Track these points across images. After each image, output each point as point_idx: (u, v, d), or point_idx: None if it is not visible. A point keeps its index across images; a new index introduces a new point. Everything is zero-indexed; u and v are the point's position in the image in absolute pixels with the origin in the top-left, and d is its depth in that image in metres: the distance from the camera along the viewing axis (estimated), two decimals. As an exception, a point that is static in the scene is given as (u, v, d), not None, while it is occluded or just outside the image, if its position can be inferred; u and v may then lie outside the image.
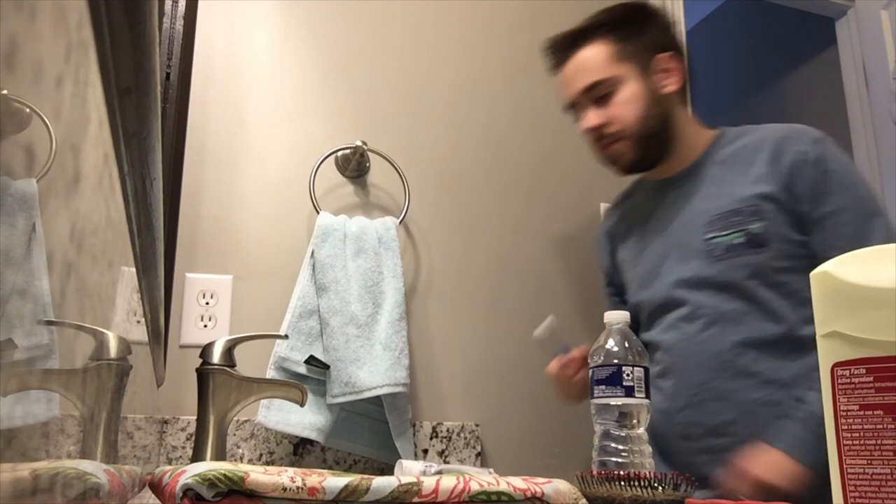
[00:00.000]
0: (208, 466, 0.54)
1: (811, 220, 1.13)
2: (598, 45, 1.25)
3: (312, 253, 1.41)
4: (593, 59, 1.25)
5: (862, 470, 0.50)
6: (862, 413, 0.51)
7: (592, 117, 1.25)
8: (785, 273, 1.14)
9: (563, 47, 1.29)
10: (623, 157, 1.25)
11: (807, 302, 1.09)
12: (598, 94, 1.24)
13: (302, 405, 1.13)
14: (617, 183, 1.50)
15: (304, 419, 1.31)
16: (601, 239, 1.44)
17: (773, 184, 1.15)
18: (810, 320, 1.06)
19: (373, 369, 1.34)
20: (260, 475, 0.54)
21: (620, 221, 1.39)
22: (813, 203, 1.13)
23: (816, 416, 0.97)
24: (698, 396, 1.15)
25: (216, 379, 1.08)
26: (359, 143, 1.51)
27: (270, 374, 1.33)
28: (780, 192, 1.14)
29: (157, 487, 0.64)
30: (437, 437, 1.46)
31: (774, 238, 1.14)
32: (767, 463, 1.02)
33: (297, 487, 0.55)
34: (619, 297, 1.40)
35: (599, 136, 1.25)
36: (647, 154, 1.25)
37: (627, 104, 1.22)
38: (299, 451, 1.38)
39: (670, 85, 1.25)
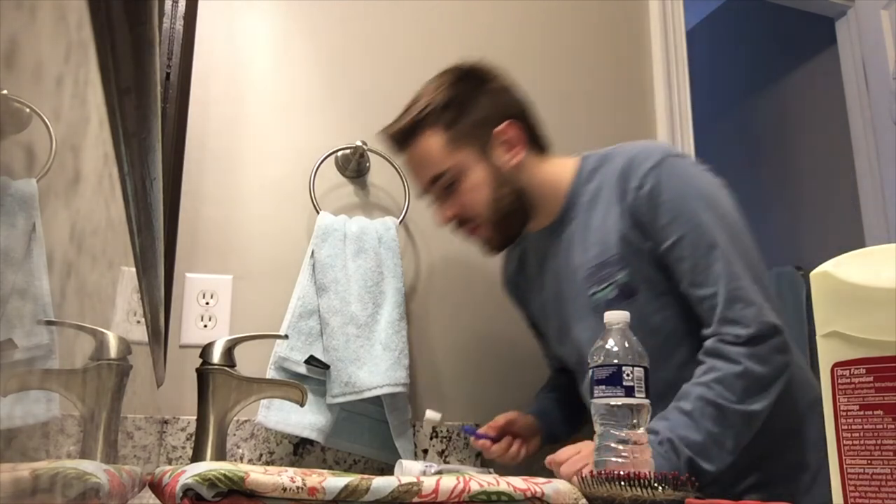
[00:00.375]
0: (208, 466, 0.54)
1: (660, 256, 1.09)
2: (430, 136, 1.18)
3: (312, 253, 1.41)
4: (428, 153, 1.18)
5: (862, 470, 0.50)
6: (862, 413, 0.51)
7: (444, 211, 1.21)
8: (658, 314, 1.11)
9: (398, 142, 1.23)
10: (489, 241, 1.23)
11: (682, 343, 1.08)
12: (443, 185, 1.19)
13: (302, 405, 1.13)
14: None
15: (304, 419, 1.31)
16: (508, 288, 1.43)
17: (624, 225, 1.11)
18: (685, 364, 1.07)
19: (373, 369, 1.34)
20: (260, 475, 0.54)
21: (518, 272, 1.37)
22: (656, 239, 1.09)
23: (660, 437, 0.97)
24: None
25: (216, 379, 1.08)
26: (359, 143, 1.51)
27: (270, 374, 1.33)
28: (632, 232, 1.11)
29: (157, 487, 0.64)
30: (437, 437, 1.46)
31: (641, 283, 1.10)
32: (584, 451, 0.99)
33: (297, 487, 0.55)
34: (545, 341, 1.40)
35: (458, 225, 1.22)
36: (510, 231, 1.22)
37: (474, 192, 1.18)
38: (299, 451, 1.38)
39: (514, 157, 1.19)
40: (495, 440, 1.26)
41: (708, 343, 1.04)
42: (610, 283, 1.12)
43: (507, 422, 1.27)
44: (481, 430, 1.26)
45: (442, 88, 1.20)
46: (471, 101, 1.19)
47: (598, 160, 1.20)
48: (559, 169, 1.23)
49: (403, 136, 1.21)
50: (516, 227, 1.22)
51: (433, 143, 1.18)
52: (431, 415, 1.29)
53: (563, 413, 1.35)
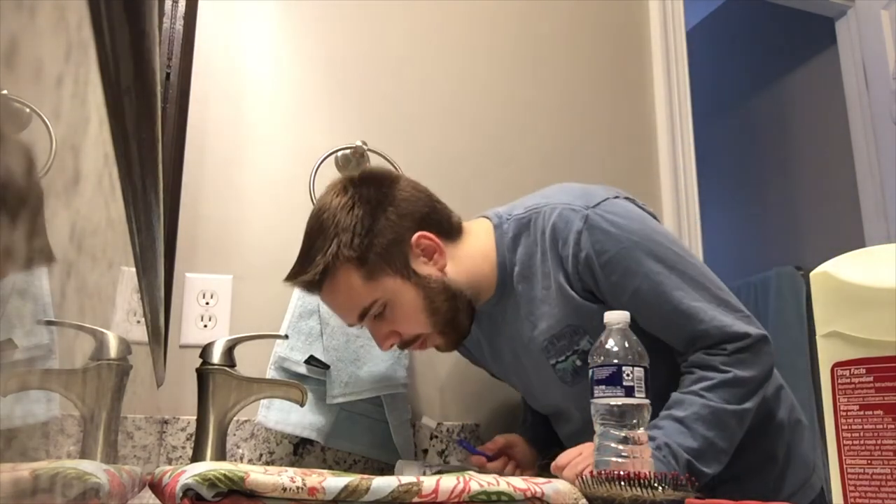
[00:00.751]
0: (208, 466, 0.54)
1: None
2: (343, 275, 1.08)
3: (312, 253, 1.41)
4: (348, 292, 1.09)
5: (862, 470, 0.50)
6: (862, 413, 0.51)
7: (384, 339, 1.12)
8: None
9: (311, 287, 1.11)
10: (441, 347, 1.17)
11: (660, 365, 1.04)
12: (374, 314, 1.10)
13: (302, 405, 1.13)
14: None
15: (304, 419, 1.31)
16: (470, 357, 1.35)
17: (574, 297, 1.07)
18: (670, 376, 1.06)
19: (373, 369, 1.34)
20: (260, 475, 0.54)
21: (470, 344, 1.28)
22: (609, 296, 1.06)
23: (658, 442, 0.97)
24: None
25: (216, 379, 1.08)
26: (359, 143, 1.51)
27: (270, 374, 1.33)
28: (582, 300, 1.07)
29: (157, 487, 0.64)
30: (437, 437, 1.46)
31: None
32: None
33: (297, 487, 0.55)
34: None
35: (405, 345, 1.15)
36: (459, 332, 1.15)
37: (409, 316, 1.10)
38: (299, 451, 1.38)
39: (437, 263, 1.11)
40: (491, 458, 1.24)
41: (693, 357, 1.04)
42: (571, 353, 1.10)
43: (507, 443, 1.25)
44: (479, 448, 1.25)
45: (339, 224, 1.09)
46: (373, 227, 1.09)
47: (516, 227, 1.14)
48: (478, 249, 1.16)
49: (315, 284, 1.10)
50: (465, 324, 1.15)
51: (351, 281, 1.08)
52: (428, 421, 1.29)
53: (554, 438, 1.32)
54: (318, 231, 1.11)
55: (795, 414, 1.17)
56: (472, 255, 1.15)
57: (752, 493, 1.07)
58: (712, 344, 1.03)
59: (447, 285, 1.11)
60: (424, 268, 1.11)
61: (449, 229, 1.15)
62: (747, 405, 1.01)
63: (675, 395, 1.03)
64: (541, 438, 1.31)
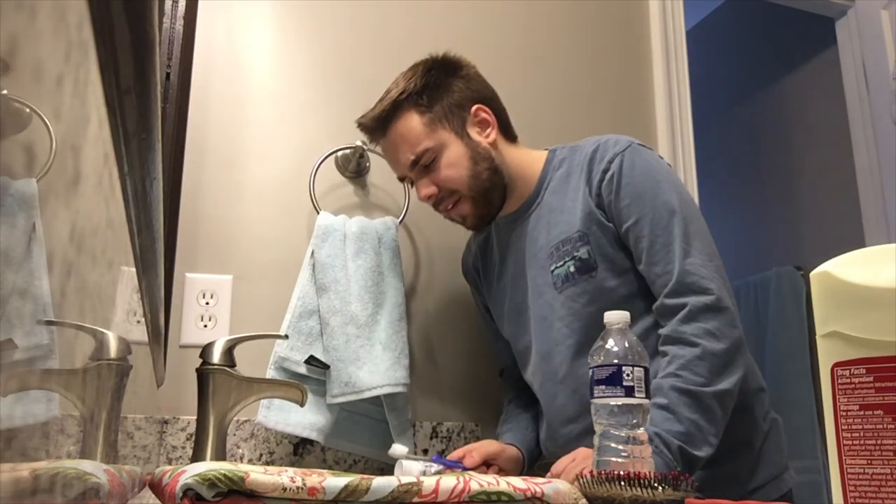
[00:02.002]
0: (208, 466, 0.54)
1: (621, 236, 1.16)
2: (409, 118, 1.23)
3: (312, 253, 1.41)
4: (408, 134, 1.23)
5: (862, 470, 0.50)
6: (862, 413, 0.51)
7: (424, 188, 1.25)
8: (617, 291, 1.16)
9: (376, 128, 1.27)
10: (468, 216, 1.27)
11: (643, 315, 1.13)
12: (424, 163, 1.23)
13: (302, 405, 1.13)
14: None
15: (304, 419, 1.31)
16: (467, 275, 1.47)
17: (589, 204, 1.17)
18: (648, 330, 1.11)
19: (373, 369, 1.34)
20: (260, 475, 0.54)
21: (480, 258, 1.42)
22: (618, 219, 1.15)
23: (651, 433, 0.98)
24: (572, 442, 1.16)
25: (216, 379, 1.08)
26: (359, 143, 1.51)
27: (270, 374, 1.33)
28: (596, 211, 1.17)
29: (157, 487, 0.64)
30: (437, 437, 1.46)
31: (601, 260, 1.16)
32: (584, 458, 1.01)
33: (297, 487, 0.55)
34: (493, 332, 1.43)
35: (438, 202, 1.26)
36: (489, 207, 1.26)
37: (453, 168, 1.23)
38: (299, 451, 1.38)
39: (489, 135, 1.26)
40: (466, 469, 1.23)
41: (664, 331, 1.09)
42: (570, 258, 1.18)
43: (486, 455, 1.20)
44: (452, 456, 1.19)
45: (416, 76, 1.25)
46: (445, 86, 1.25)
47: (568, 150, 1.27)
48: (529, 158, 1.30)
49: (383, 120, 1.25)
50: (495, 203, 1.27)
51: (413, 124, 1.23)
52: (398, 449, 1.19)
53: (538, 432, 1.33)
54: (393, 84, 1.27)
55: (773, 414, 1.21)
56: (520, 157, 1.29)
57: (726, 477, 1.09)
58: (679, 290, 1.08)
59: (492, 157, 1.25)
60: (476, 136, 1.25)
61: (506, 126, 1.31)
62: (724, 385, 1.04)
63: (654, 383, 1.06)
64: (525, 438, 1.31)
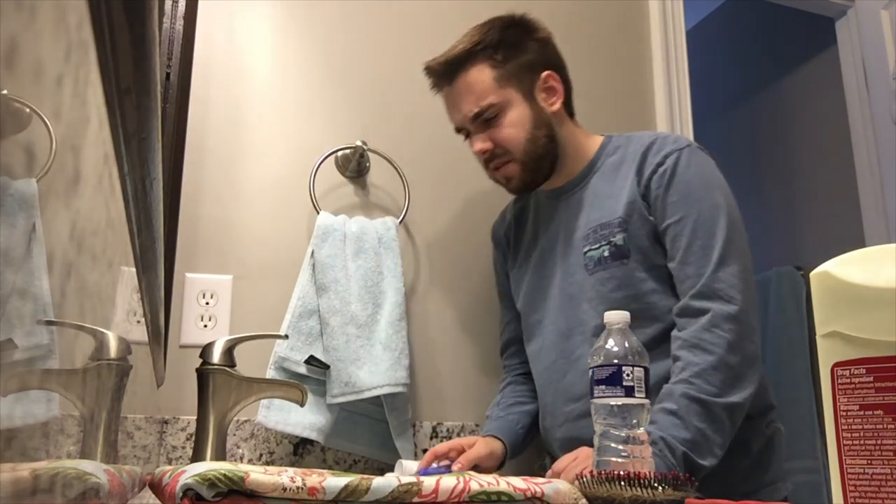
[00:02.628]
0: (208, 466, 0.54)
1: (660, 232, 1.16)
2: (480, 69, 1.23)
3: (312, 253, 1.41)
4: (476, 85, 1.23)
5: (862, 470, 0.50)
6: (862, 413, 0.51)
7: (481, 142, 1.25)
8: (644, 284, 1.16)
9: (445, 73, 1.27)
10: (513, 178, 1.27)
11: (659, 319, 1.13)
12: (485, 118, 1.23)
13: (302, 405, 1.13)
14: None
15: (304, 419, 1.31)
16: (495, 239, 1.47)
17: (635, 195, 1.17)
18: (656, 340, 1.11)
19: (373, 369, 1.34)
20: (260, 475, 0.54)
21: (515, 225, 1.42)
22: (660, 214, 1.15)
23: (655, 437, 0.98)
24: (571, 421, 1.17)
25: (216, 379, 1.08)
26: (359, 143, 1.51)
27: (270, 374, 1.33)
28: (641, 202, 1.17)
29: (157, 487, 0.64)
30: (437, 437, 1.46)
31: (635, 249, 1.16)
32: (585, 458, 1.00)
33: (297, 487, 0.55)
34: (508, 301, 1.43)
35: (490, 159, 1.26)
36: (536, 175, 1.27)
37: (514, 128, 1.22)
38: (299, 451, 1.38)
39: (554, 104, 1.26)
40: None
41: (683, 334, 1.08)
42: (607, 242, 1.18)
43: (474, 462, 1.15)
44: (440, 449, 1.15)
45: (494, 30, 1.25)
46: (520, 45, 1.25)
47: (625, 139, 1.27)
48: (584, 138, 1.30)
49: (453, 66, 1.24)
50: (543, 172, 1.27)
51: (483, 76, 1.23)
52: (410, 465, 1.18)
53: (527, 427, 1.31)
54: (466, 35, 1.27)
55: (777, 423, 1.20)
56: (576, 135, 1.30)
57: (718, 475, 1.06)
58: (706, 294, 1.07)
59: (552, 126, 1.25)
60: (542, 102, 1.25)
61: (569, 100, 1.31)
62: (735, 398, 1.03)
63: (665, 388, 1.05)
64: (513, 432, 1.27)
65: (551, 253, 1.29)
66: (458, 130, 1.32)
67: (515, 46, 1.24)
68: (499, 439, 1.25)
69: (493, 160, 1.26)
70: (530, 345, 1.31)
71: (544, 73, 1.25)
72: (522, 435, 1.30)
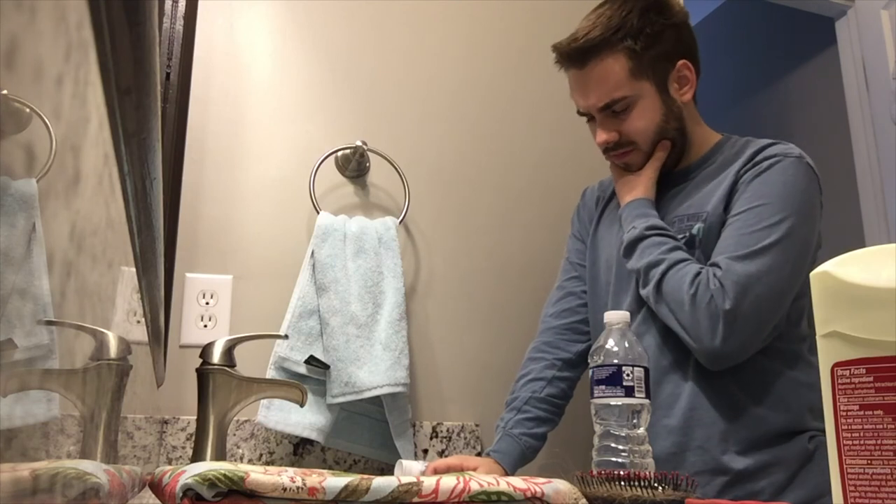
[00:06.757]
0: (208, 466, 0.54)
1: (725, 223, 1.12)
2: (616, 59, 1.16)
3: (312, 253, 1.41)
4: (611, 76, 1.16)
5: (862, 470, 0.50)
6: (862, 413, 0.51)
7: (605, 133, 1.20)
8: None
9: (576, 57, 1.19)
10: (633, 167, 1.22)
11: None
12: (614, 110, 1.18)
13: (302, 405, 1.13)
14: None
15: (304, 419, 1.31)
16: (587, 213, 1.40)
17: (727, 191, 1.13)
18: (679, 353, 1.10)
19: (373, 369, 1.34)
20: (260, 475, 0.54)
21: (606, 202, 1.35)
22: (734, 204, 1.12)
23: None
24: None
25: (216, 379, 1.08)
26: (359, 143, 1.51)
27: (270, 374, 1.33)
28: (727, 199, 1.13)
29: (157, 487, 0.64)
30: (437, 437, 1.46)
31: (705, 240, 1.13)
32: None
33: (297, 487, 0.55)
34: (575, 275, 1.37)
35: (614, 147, 1.21)
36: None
37: (644, 120, 1.18)
38: (299, 451, 1.38)
39: (686, 95, 1.21)
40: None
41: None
42: (685, 233, 1.15)
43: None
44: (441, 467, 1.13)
45: (633, 14, 1.17)
46: (659, 34, 1.18)
47: (742, 142, 1.22)
48: (706, 133, 1.26)
49: (587, 52, 1.17)
50: (666, 164, 1.22)
51: (618, 67, 1.16)
52: (410, 465, 1.17)
53: (539, 449, 1.27)
54: (601, 16, 1.18)
55: (821, 437, 1.11)
56: (699, 128, 1.25)
57: (757, 492, 1.05)
58: (722, 277, 1.04)
59: (683, 118, 1.21)
60: (674, 92, 1.20)
61: (695, 93, 1.25)
62: (665, 289, 1.07)
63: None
64: (522, 456, 1.22)
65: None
66: (580, 114, 1.25)
67: (654, 35, 1.17)
68: (501, 467, 1.19)
69: (615, 149, 1.21)
70: (597, 315, 1.25)
71: (679, 63, 1.19)
72: (530, 458, 1.25)
